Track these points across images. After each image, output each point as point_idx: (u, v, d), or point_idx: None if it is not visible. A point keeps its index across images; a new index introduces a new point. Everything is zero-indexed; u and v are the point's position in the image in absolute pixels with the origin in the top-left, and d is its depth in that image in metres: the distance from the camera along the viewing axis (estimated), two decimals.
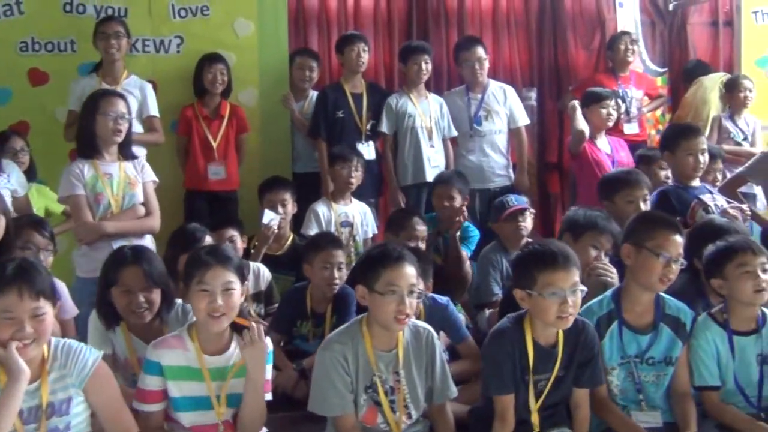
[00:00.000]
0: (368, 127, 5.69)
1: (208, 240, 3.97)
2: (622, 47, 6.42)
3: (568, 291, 2.84)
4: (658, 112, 7.21)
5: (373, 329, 2.93)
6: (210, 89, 5.47)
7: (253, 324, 2.86)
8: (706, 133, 6.17)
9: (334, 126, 5.61)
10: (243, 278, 2.93)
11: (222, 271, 2.83)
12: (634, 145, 5.97)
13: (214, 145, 5.45)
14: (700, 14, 7.49)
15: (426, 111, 5.74)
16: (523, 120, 6.01)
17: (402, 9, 6.84)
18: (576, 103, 5.75)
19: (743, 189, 5.24)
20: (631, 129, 6.32)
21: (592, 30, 7.20)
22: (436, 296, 3.83)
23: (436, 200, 5.16)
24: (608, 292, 3.29)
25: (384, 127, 5.71)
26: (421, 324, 3.10)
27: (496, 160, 5.86)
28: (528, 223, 4.61)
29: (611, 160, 5.57)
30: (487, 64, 5.93)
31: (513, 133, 5.96)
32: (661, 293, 3.22)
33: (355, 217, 5.25)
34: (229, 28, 5.77)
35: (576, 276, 2.88)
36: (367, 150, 5.61)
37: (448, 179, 5.21)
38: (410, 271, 2.89)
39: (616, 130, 6.07)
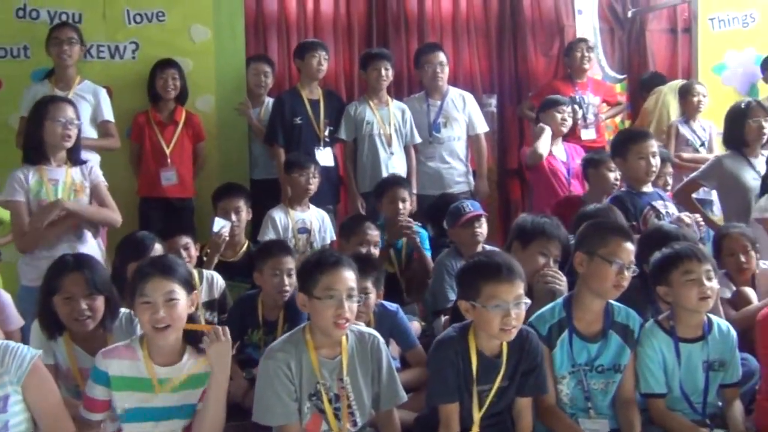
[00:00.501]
0: (326, 133, 5.66)
1: (158, 248, 3.91)
2: (579, 54, 6.45)
3: (511, 304, 2.84)
4: (618, 119, 7.24)
5: (316, 336, 2.90)
6: (162, 95, 5.41)
7: (215, 327, 2.85)
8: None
9: (291, 132, 5.58)
10: (190, 288, 2.89)
11: (163, 282, 2.80)
12: (591, 151, 5.97)
13: (167, 150, 5.37)
14: (659, 21, 7.57)
15: (386, 118, 5.71)
16: (482, 127, 6.01)
17: (362, 15, 6.85)
18: (546, 127, 5.74)
19: (700, 195, 5.28)
20: (588, 135, 6.36)
21: (551, 37, 7.26)
22: (386, 303, 3.81)
23: (387, 204, 5.02)
24: (559, 300, 3.28)
25: (343, 134, 5.70)
26: (367, 330, 3.07)
27: (455, 167, 5.86)
28: (483, 229, 4.59)
29: (566, 167, 5.60)
30: (447, 70, 5.93)
31: (472, 139, 5.96)
32: (610, 300, 3.22)
33: (312, 223, 5.21)
34: (186, 34, 5.69)
35: (520, 289, 2.88)
36: (325, 156, 5.59)
37: (399, 181, 5.18)
38: (348, 275, 2.87)
39: (573, 136, 6.10)
